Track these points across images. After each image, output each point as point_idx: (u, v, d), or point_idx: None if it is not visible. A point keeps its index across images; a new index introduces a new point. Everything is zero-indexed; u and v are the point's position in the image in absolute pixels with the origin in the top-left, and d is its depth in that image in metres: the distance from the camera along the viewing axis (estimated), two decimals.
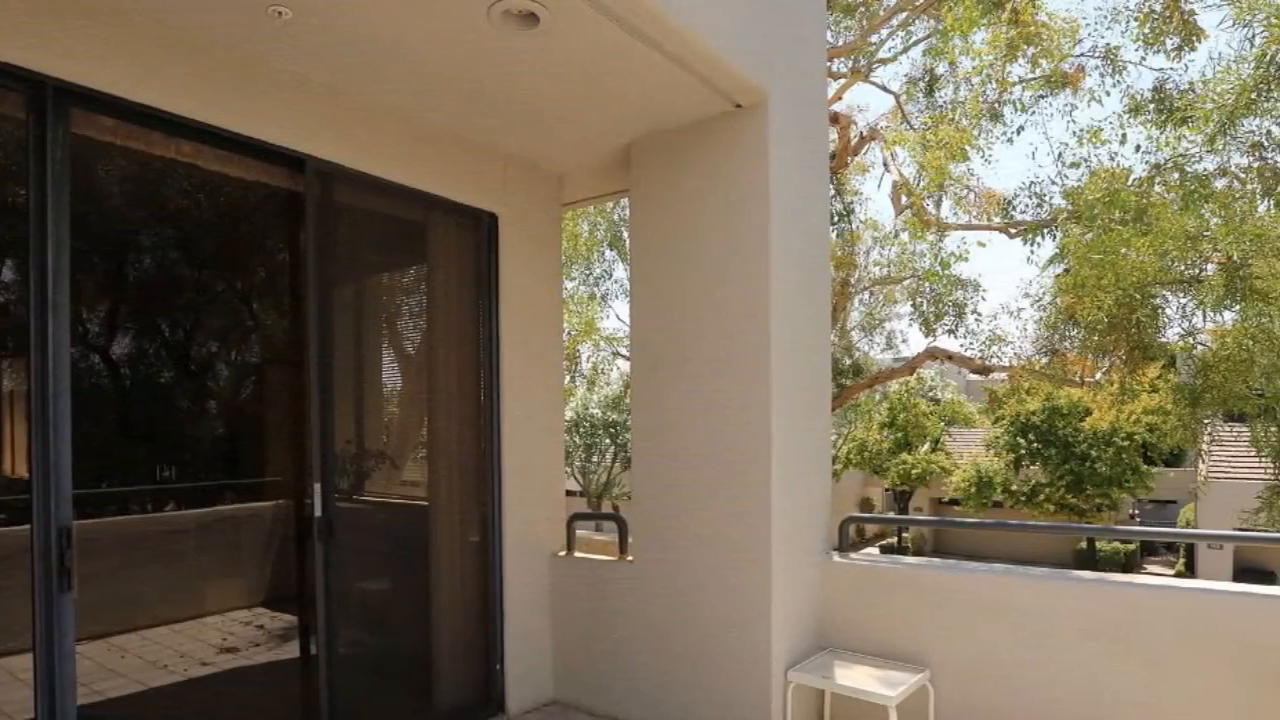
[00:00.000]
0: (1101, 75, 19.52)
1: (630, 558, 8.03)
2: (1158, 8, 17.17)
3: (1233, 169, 16.49)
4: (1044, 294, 19.89)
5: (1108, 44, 19.36)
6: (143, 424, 6.60)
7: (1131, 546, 44.59)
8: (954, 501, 46.75)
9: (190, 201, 6.71)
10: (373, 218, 7.51)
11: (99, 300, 6.13)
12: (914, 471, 47.63)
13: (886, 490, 52.77)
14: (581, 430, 34.91)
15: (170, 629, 6.68)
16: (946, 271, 22.84)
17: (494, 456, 8.14)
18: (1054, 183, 20.98)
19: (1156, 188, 17.25)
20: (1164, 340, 16.55)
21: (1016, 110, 20.48)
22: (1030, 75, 20.05)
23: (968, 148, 20.98)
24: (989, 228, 23.27)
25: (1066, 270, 17.64)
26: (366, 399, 7.61)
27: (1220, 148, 15.95)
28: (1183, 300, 15.77)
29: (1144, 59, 25.78)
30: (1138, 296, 15.50)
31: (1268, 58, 14.28)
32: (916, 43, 22.34)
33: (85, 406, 5.47)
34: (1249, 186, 16.10)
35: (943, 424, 49.99)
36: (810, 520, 7.52)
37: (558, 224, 9.04)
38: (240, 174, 6.38)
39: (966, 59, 21.02)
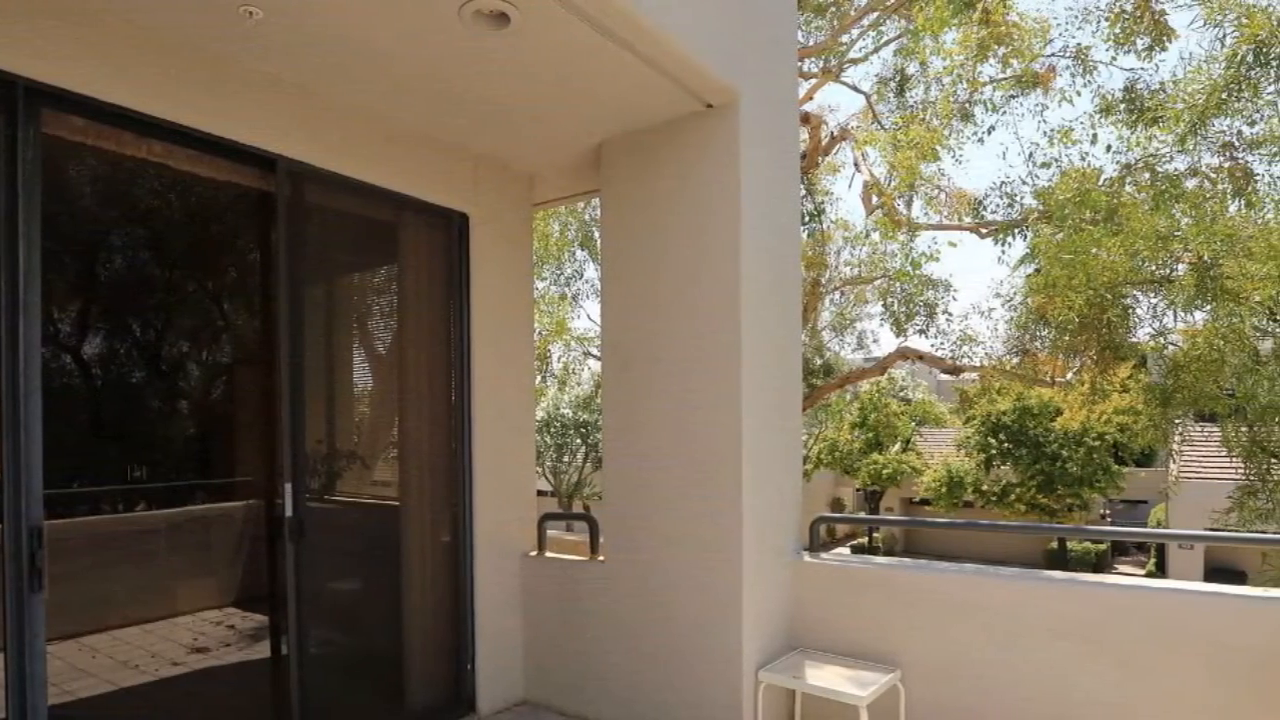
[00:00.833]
0: (1072, 75, 19.57)
1: (601, 558, 8.04)
2: (1128, 8, 17.23)
3: (1203, 169, 16.56)
4: (1015, 294, 19.94)
5: (1079, 44, 19.41)
6: (114, 424, 6.58)
7: (1102, 547, 44.75)
8: (925, 501, 46.86)
9: (161, 202, 6.69)
10: (344, 218, 7.51)
11: (70, 300, 6.11)
12: (885, 471, 47.72)
13: (857, 490, 52.88)
14: (552, 430, 34.92)
15: (141, 629, 6.66)
16: (917, 271, 22.90)
17: (465, 456, 8.15)
18: (1025, 183, 21.02)
19: (1127, 188, 17.32)
20: (1135, 340, 16.60)
21: (987, 110, 20.52)
22: (1001, 75, 20.09)
23: (938, 148, 21.03)
24: (960, 228, 23.32)
25: (1037, 270, 17.68)
26: (338, 399, 7.61)
27: (1191, 148, 16.04)
28: (1154, 300, 15.84)
29: (1115, 59, 25.92)
30: (1109, 296, 15.56)
31: (1238, 58, 14.37)
32: (887, 43, 22.38)
33: (56, 406, 5.46)
34: (1220, 186, 16.18)
35: (914, 424, 50.09)
36: (781, 520, 7.54)
37: (528, 224, 9.05)
38: (211, 174, 6.37)
39: (937, 59, 21.06)
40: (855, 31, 22.21)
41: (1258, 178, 15.68)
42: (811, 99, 23.19)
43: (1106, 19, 17.76)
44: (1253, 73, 14.40)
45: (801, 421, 8.47)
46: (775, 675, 6.77)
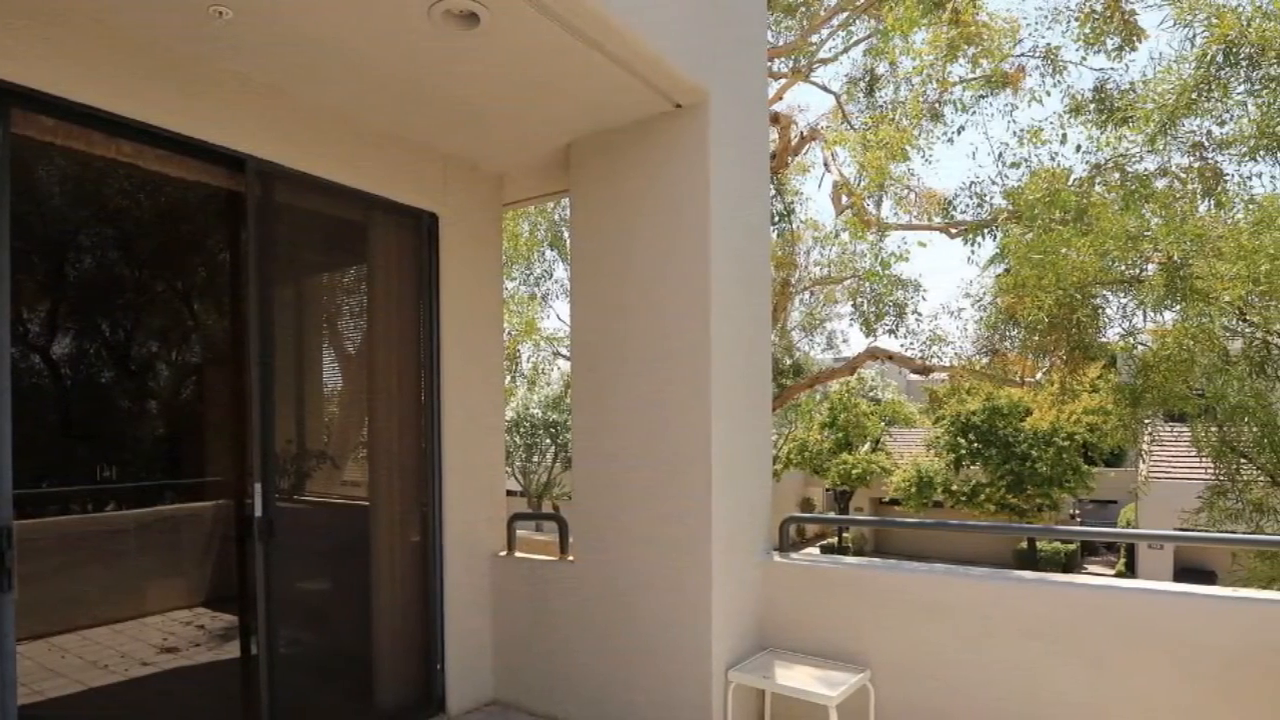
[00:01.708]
0: (1042, 75, 19.61)
1: (571, 558, 8.05)
2: (1098, 8, 17.28)
3: (1173, 169, 16.63)
4: (984, 294, 19.98)
5: (1048, 44, 19.45)
6: (83, 424, 6.58)
7: (1072, 546, 44.90)
8: (894, 501, 46.88)
9: (131, 201, 6.69)
10: (314, 218, 7.50)
11: (39, 300, 6.11)
12: (854, 471, 47.74)
13: (827, 490, 52.88)
14: (522, 430, 34.93)
15: (111, 629, 6.66)
16: (887, 271, 22.91)
17: (434, 456, 8.16)
18: (994, 183, 21.02)
19: (1097, 188, 17.38)
20: (1104, 340, 16.65)
21: (957, 110, 20.54)
22: (971, 75, 20.11)
23: (908, 148, 21.03)
24: (929, 228, 23.35)
25: (1007, 270, 17.72)
26: (307, 399, 7.59)
27: (1161, 148, 16.10)
28: (1123, 300, 15.89)
29: (1085, 59, 25.88)
30: (1078, 296, 15.60)
31: (1208, 58, 14.44)
32: (857, 43, 22.39)
33: (26, 406, 5.46)
34: (1189, 186, 16.24)
35: (883, 424, 50.13)
36: (751, 520, 7.56)
37: (498, 224, 9.04)
38: (181, 174, 6.36)
39: (907, 59, 21.08)
40: (825, 31, 22.21)
41: (1227, 178, 15.75)
42: (781, 99, 23.20)
43: (1076, 19, 17.82)
44: (1222, 73, 14.48)
45: (771, 421, 8.49)
46: (745, 675, 6.78)
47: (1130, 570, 40.33)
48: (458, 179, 8.40)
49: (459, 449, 8.33)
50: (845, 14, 21.47)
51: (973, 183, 21.56)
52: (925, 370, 23.96)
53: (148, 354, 6.99)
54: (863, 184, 22.64)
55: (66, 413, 6.44)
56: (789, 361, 29.10)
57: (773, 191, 22.02)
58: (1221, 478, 16.90)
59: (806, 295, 27.28)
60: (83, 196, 6.40)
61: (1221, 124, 15.59)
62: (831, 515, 53.38)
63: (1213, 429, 16.52)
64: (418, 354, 8.09)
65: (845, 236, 24.74)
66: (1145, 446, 20.04)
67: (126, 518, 6.92)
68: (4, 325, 5.03)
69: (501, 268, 9.18)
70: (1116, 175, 16.99)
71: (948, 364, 23.18)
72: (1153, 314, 15.38)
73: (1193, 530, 17.68)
